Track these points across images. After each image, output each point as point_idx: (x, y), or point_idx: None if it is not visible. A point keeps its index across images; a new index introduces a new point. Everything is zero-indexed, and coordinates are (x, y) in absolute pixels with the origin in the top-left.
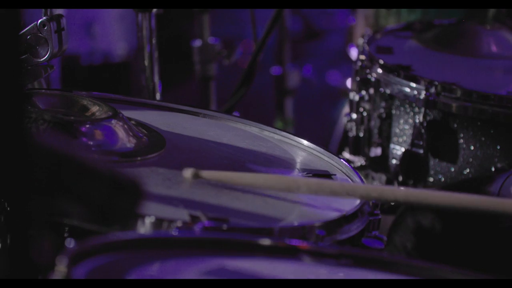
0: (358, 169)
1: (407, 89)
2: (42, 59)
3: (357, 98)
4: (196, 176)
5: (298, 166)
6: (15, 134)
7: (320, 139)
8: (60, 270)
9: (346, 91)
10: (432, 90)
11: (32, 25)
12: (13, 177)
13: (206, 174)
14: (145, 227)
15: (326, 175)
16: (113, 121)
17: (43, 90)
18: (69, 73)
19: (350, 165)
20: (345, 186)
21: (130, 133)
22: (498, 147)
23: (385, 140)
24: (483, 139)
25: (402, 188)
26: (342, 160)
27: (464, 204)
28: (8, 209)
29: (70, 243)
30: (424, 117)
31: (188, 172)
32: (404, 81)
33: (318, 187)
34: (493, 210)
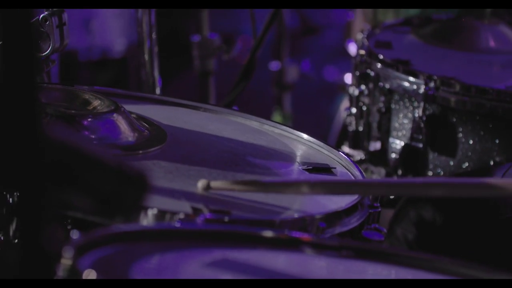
0: (357, 163)
1: (406, 84)
2: (43, 54)
3: (356, 92)
4: (207, 188)
5: (298, 159)
6: (30, 126)
7: (318, 134)
8: (66, 262)
9: (343, 86)
10: (431, 84)
11: (33, 20)
12: (27, 169)
13: (215, 184)
14: (148, 219)
15: (326, 168)
16: (115, 115)
17: (45, 84)
18: (68, 69)
19: (350, 159)
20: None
21: (132, 127)
22: (497, 141)
23: (385, 134)
24: (482, 133)
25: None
26: (341, 153)
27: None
28: (21, 200)
29: (76, 235)
30: (423, 111)
31: (200, 184)
32: (403, 76)
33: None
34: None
